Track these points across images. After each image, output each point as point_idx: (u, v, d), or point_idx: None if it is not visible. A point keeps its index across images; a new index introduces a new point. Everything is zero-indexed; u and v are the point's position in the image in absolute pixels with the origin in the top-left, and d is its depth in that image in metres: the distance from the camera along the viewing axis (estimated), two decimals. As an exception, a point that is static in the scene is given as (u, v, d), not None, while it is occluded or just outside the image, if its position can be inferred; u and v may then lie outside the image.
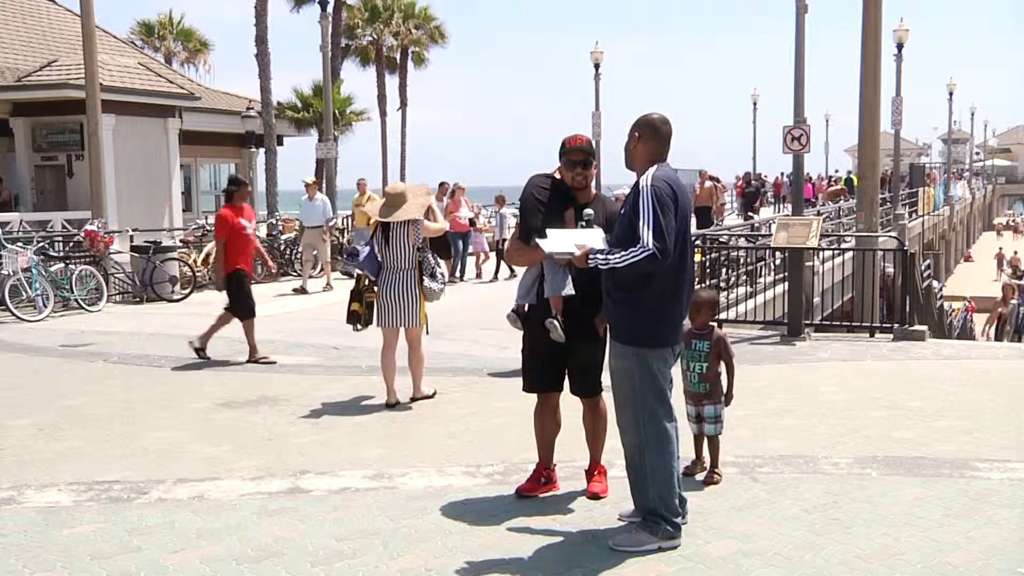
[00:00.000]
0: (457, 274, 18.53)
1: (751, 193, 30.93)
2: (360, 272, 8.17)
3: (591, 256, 4.66)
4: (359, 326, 8.28)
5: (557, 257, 4.87)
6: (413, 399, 8.12)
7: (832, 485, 5.71)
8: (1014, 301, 15.50)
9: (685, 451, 5.42)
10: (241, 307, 10.31)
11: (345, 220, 23.66)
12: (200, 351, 10.32)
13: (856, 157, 27.66)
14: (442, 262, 8.62)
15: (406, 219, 7.86)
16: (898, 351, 10.55)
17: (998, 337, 15.78)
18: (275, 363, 10.08)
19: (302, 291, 16.82)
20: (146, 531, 5.09)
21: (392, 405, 7.98)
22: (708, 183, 24.92)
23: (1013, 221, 76.39)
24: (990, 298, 24.06)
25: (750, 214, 29.09)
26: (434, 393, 8.24)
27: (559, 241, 4.83)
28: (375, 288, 8.02)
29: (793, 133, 12.78)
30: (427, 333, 8.27)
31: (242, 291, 10.33)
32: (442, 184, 19.61)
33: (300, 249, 18.72)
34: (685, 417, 5.79)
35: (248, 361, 10.11)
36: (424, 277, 7.92)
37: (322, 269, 17.67)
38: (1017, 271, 36.88)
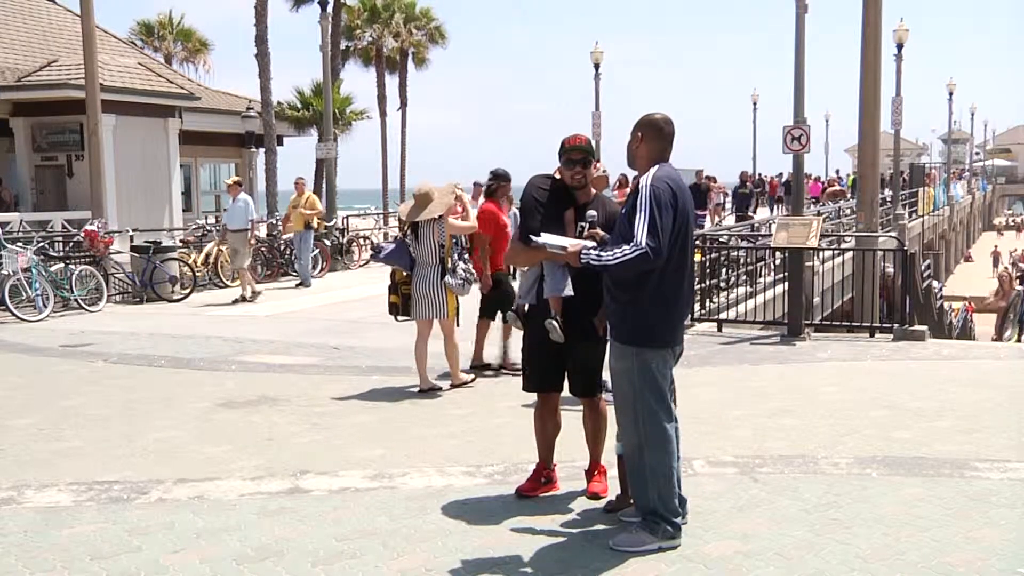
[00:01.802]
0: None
1: (744, 195, 29.95)
2: (393, 267, 8.73)
3: (584, 252, 4.67)
4: (399, 316, 8.83)
5: (550, 249, 4.86)
6: (453, 386, 8.57)
7: (832, 485, 5.71)
8: (1020, 288, 15.17)
9: (686, 452, 5.42)
10: (490, 310, 9.41)
11: (345, 220, 23.67)
12: (492, 368, 9.37)
13: (856, 157, 27.63)
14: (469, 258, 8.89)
15: (429, 218, 8.40)
16: (898, 351, 10.55)
17: (1002, 330, 15.53)
18: (517, 371, 9.37)
19: (242, 299, 15.56)
20: (146, 531, 5.09)
21: (425, 391, 8.43)
22: None
23: (1013, 220, 76.45)
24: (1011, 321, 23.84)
25: (751, 214, 28.86)
26: (474, 379, 8.68)
27: (553, 239, 4.85)
28: (410, 281, 8.60)
29: (793, 133, 12.79)
30: (458, 325, 8.69)
31: (499, 294, 9.29)
32: (476, 184, 18.75)
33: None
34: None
35: (472, 367, 9.28)
36: (447, 273, 8.43)
37: (236, 277, 16.05)
38: (1017, 267, 36.82)
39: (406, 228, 8.62)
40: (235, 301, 15.52)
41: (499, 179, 9.49)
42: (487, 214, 9.29)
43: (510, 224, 9.35)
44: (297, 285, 17.84)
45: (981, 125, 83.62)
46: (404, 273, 8.62)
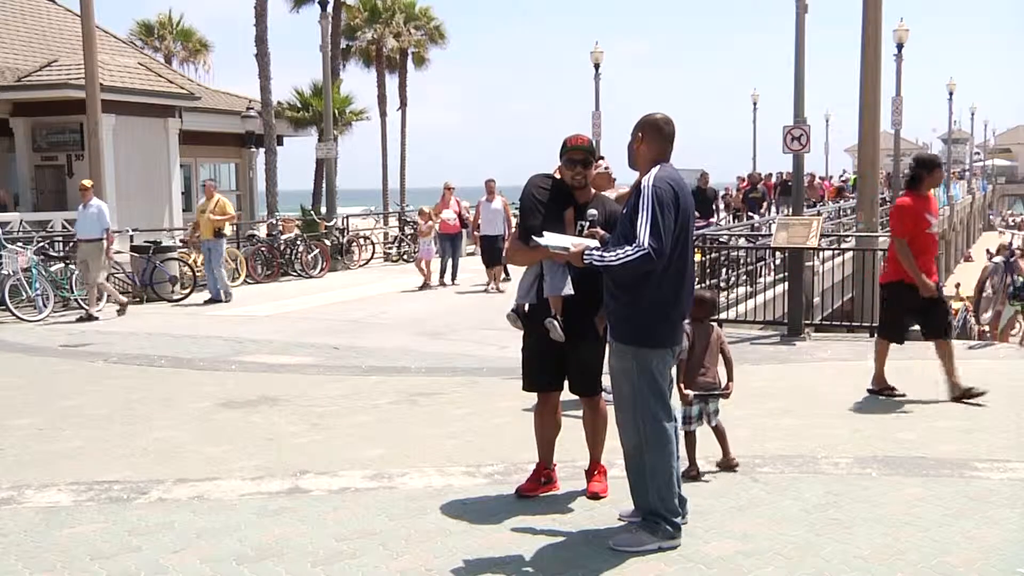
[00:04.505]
0: (447, 279, 17.47)
1: (755, 198, 29.35)
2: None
3: (587, 253, 4.67)
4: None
5: (553, 251, 4.86)
6: None
7: (832, 485, 5.71)
8: (995, 260, 14.43)
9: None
10: (891, 329, 8.22)
11: (345, 220, 23.61)
12: (883, 392, 8.17)
13: (856, 157, 27.62)
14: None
15: None
16: (898, 351, 10.51)
17: (979, 309, 14.95)
18: (904, 395, 8.11)
19: (88, 318, 13.61)
20: (146, 531, 5.09)
21: None
22: None
23: (1014, 220, 76.30)
24: (990, 299, 23.81)
25: (751, 214, 28.72)
26: None
27: (556, 239, 4.85)
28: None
29: (793, 133, 12.79)
30: None
31: (896, 309, 8.10)
32: (488, 181, 17.30)
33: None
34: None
35: (954, 399, 7.91)
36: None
37: (98, 291, 14.07)
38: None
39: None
40: (80, 319, 13.60)
41: (931, 165, 7.86)
42: (905, 209, 7.85)
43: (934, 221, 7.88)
44: (206, 301, 15.63)
45: (981, 125, 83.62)
46: None
